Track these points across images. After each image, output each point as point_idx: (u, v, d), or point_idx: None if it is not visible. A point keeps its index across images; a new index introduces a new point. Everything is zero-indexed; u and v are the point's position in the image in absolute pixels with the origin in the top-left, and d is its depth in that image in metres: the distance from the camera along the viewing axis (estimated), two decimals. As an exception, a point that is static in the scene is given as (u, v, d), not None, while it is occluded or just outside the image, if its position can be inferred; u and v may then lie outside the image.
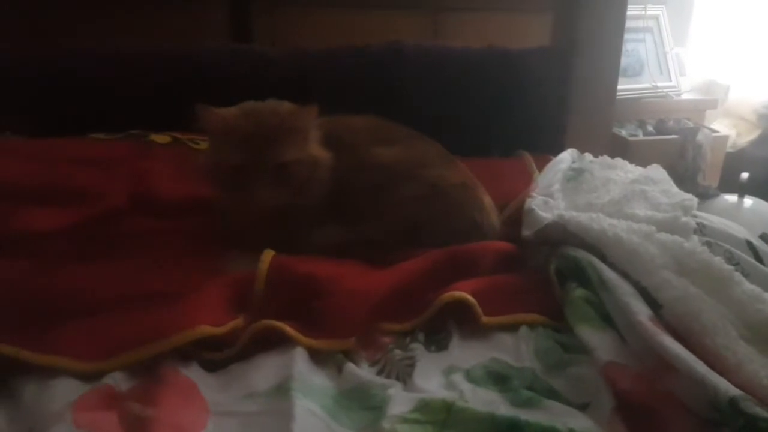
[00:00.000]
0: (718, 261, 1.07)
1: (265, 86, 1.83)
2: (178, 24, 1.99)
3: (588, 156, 1.59)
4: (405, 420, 0.87)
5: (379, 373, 1.03)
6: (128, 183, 1.48)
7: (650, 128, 2.53)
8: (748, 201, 2.34)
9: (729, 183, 2.49)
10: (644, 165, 1.58)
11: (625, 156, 1.67)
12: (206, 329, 1.02)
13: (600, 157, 1.58)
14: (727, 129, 2.70)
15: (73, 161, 1.52)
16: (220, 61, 1.88)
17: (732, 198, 2.36)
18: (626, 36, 2.47)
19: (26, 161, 1.50)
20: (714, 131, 2.58)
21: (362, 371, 1.02)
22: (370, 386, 0.97)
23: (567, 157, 1.55)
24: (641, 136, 2.48)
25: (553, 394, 0.95)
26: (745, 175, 2.37)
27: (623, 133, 2.47)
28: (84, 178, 1.47)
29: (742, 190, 2.35)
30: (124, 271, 1.19)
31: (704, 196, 2.36)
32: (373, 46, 1.93)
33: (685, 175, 2.38)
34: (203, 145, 1.66)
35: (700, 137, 2.43)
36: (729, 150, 2.64)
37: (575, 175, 1.47)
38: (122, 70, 1.83)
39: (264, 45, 1.99)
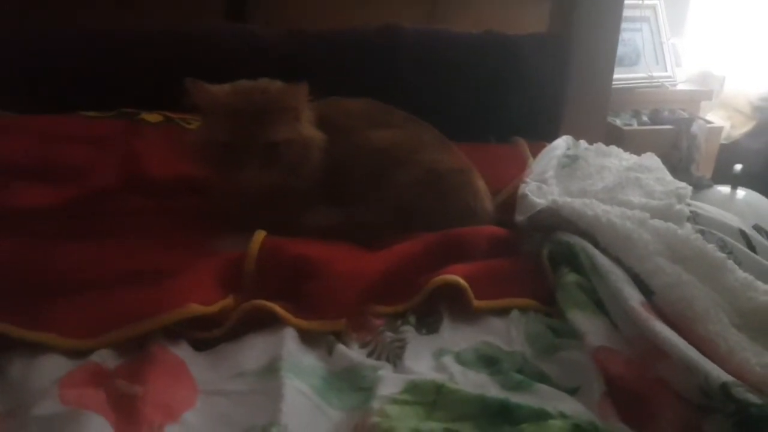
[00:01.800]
0: (712, 248, 1.07)
1: (260, 67, 1.82)
2: (173, 3, 1.97)
3: (583, 143, 1.58)
4: (395, 401, 0.86)
5: (370, 354, 1.03)
6: (119, 161, 1.48)
7: (645, 118, 2.52)
8: (741, 192, 2.34)
9: (722, 174, 2.49)
10: (638, 154, 1.58)
11: (619, 145, 1.67)
12: (196, 308, 1.01)
13: (594, 145, 1.57)
14: (721, 120, 2.69)
15: (64, 139, 1.52)
16: (214, 41, 1.86)
17: (725, 189, 2.36)
18: (623, 25, 2.45)
19: (17, 138, 1.49)
20: (708, 122, 2.58)
21: (353, 353, 1.01)
22: (361, 368, 0.97)
23: (562, 144, 1.54)
24: (636, 126, 2.48)
25: (543, 378, 0.95)
26: (738, 167, 2.37)
27: (618, 122, 2.47)
28: (75, 155, 1.47)
29: (735, 181, 2.35)
30: (114, 250, 1.18)
31: (697, 186, 2.35)
32: (370, 28, 1.92)
33: (678, 166, 2.38)
34: (195, 124, 1.65)
35: (694, 128, 2.43)
36: (723, 141, 2.64)
37: (570, 161, 1.46)
38: (115, 48, 1.81)
39: (259, 25, 1.97)
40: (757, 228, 1.65)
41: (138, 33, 1.83)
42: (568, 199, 1.21)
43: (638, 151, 1.61)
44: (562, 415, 0.82)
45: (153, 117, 1.67)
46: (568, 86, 1.93)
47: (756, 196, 2.33)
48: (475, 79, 1.89)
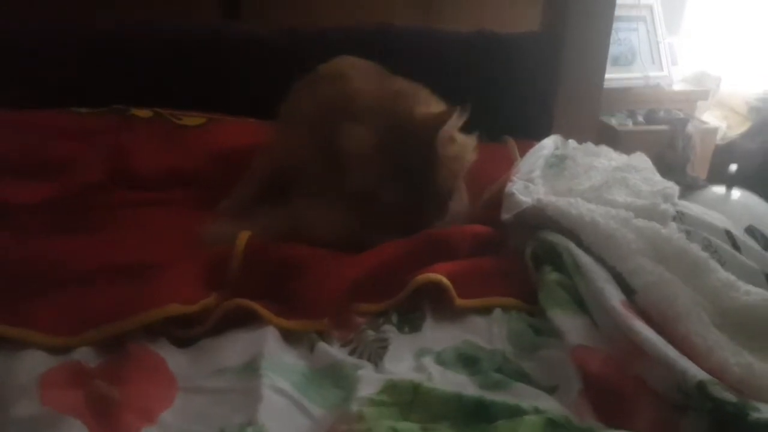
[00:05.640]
0: (694, 248, 1.07)
1: (253, 64, 1.84)
2: (169, 0, 1.98)
3: (571, 143, 1.58)
4: (372, 402, 0.86)
5: (351, 353, 1.02)
6: (108, 156, 1.48)
7: (640, 118, 2.53)
8: (736, 193, 2.33)
9: (717, 175, 2.48)
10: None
11: (614, 145, 1.66)
12: (177, 308, 1.01)
13: (583, 144, 1.57)
14: (717, 121, 2.70)
15: (53, 134, 1.52)
16: (209, 39, 1.87)
17: (720, 190, 2.35)
18: (619, 25, 2.47)
19: (4, 133, 1.49)
20: (704, 122, 2.58)
21: (334, 350, 1.01)
22: (342, 365, 0.97)
23: (550, 143, 1.54)
24: (631, 126, 2.48)
25: (523, 377, 0.95)
26: (733, 167, 2.36)
27: (613, 122, 2.47)
28: (63, 150, 1.47)
29: (730, 182, 2.34)
30: (99, 245, 1.19)
31: (692, 187, 2.35)
32: (363, 26, 1.92)
33: (673, 166, 2.38)
34: (185, 119, 1.65)
35: (689, 128, 2.43)
36: (718, 142, 2.64)
37: (557, 161, 1.46)
38: (109, 45, 1.81)
39: (253, 23, 1.98)
40: (752, 228, 1.65)
41: (133, 30, 1.83)
42: (553, 198, 1.21)
43: (633, 151, 1.61)
44: (537, 411, 0.82)
45: (143, 113, 1.68)
46: (560, 85, 1.93)
47: (751, 197, 2.32)
48: (466, 77, 1.89)
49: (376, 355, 1.01)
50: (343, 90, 1.35)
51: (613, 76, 2.43)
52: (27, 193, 1.33)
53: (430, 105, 1.34)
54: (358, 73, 1.44)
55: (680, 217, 1.25)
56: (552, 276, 1.09)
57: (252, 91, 1.80)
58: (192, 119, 1.69)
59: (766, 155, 2.52)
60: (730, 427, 0.79)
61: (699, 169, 2.53)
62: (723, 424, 0.79)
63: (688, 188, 2.31)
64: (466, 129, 1.35)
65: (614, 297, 0.98)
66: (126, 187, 1.41)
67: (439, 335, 1.05)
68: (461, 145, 1.31)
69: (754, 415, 0.77)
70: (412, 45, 1.91)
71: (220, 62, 1.84)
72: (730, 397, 0.80)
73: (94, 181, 1.41)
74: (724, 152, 2.58)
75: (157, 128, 1.62)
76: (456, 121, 1.26)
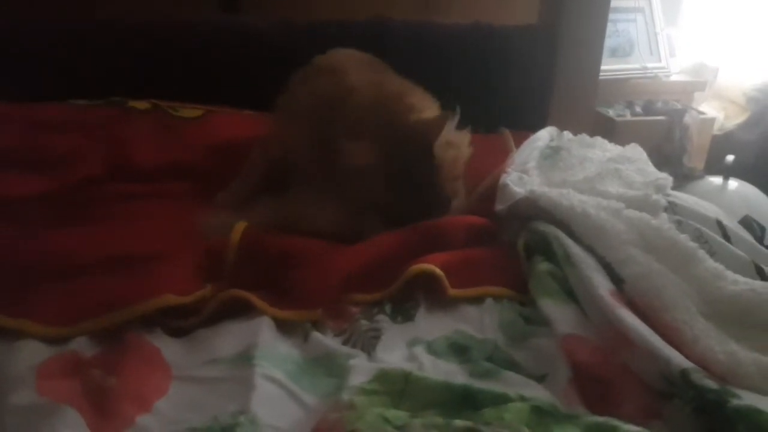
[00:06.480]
0: (684, 238, 1.08)
1: (251, 58, 1.85)
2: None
3: (567, 134, 1.58)
4: (364, 391, 0.87)
5: (345, 343, 1.04)
6: (106, 148, 1.49)
7: (638, 109, 2.52)
8: (733, 183, 2.34)
9: (715, 165, 2.49)
10: (628, 145, 1.58)
11: (611, 136, 1.67)
12: (171, 299, 1.02)
13: (579, 136, 1.58)
14: (715, 111, 2.69)
15: (52, 126, 1.54)
16: (206, 31, 1.88)
17: (717, 180, 2.36)
18: (617, 16, 2.46)
19: (4, 126, 1.51)
20: (701, 113, 2.57)
21: (328, 340, 1.03)
22: (335, 355, 0.98)
23: (545, 135, 1.54)
24: (629, 117, 2.47)
25: (513, 366, 0.96)
26: (730, 158, 2.37)
27: (611, 113, 2.46)
28: (62, 143, 1.48)
29: (727, 172, 2.35)
30: (98, 236, 1.20)
31: (689, 177, 2.36)
32: (360, 20, 1.93)
33: (671, 157, 2.38)
34: (183, 111, 1.67)
35: (687, 119, 2.43)
36: (716, 132, 2.64)
37: (552, 153, 1.46)
38: (107, 37, 1.82)
39: (252, 16, 1.99)
40: (748, 219, 1.66)
41: (133, 23, 1.84)
42: (546, 189, 1.22)
43: (631, 141, 1.61)
44: (523, 399, 0.84)
45: (141, 105, 1.69)
46: (556, 77, 1.93)
47: (748, 188, 2.33)
48: (463, 70, 1.90)
49: (369, 344, 1.02)
50: (340, 83, 1.36)
51: (611, 68, 2.44)
52: (26, 185, 1.35)
53: (424, 108, 1.35)
54: (355, 65, 1.45)
55: (672, 207, 1.26)
56: (543, 266, 1.10)
57: (250, 83, 1.81)
58: (190, 111, 1.70)
59: (763, 146, 2.53)
60: (711, 414, 0.80)
61: (696, 159, 2.53)
62: (705, 410, 0.81)
63: (685, 179, 2.33)
64: (460, 122, 1.36)
65: (602, 286, 0.99)
66: (124, 180, 1.42)
67: (431, 325, 1.07)
68: (457, 145, 1.32)
69: (734, 401, 0.78)
70: (409, 38, 1.91)
71: (218, 55, 1.85)
72: (711, 384, 0.81)
73: (93, 173, 1.42)
74: (721, 143, 2.59)
75: (155, 120, 1.63)
76: (450, 126, 1.28)
